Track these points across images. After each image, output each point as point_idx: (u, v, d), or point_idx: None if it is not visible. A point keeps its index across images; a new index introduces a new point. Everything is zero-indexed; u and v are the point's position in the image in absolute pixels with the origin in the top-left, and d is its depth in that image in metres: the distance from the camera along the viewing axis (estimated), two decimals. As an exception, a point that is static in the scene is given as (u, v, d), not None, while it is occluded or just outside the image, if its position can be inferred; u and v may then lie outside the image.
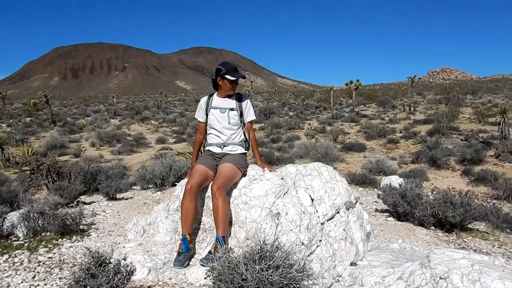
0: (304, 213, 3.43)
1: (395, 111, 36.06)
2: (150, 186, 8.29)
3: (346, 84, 42.94)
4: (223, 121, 3.83)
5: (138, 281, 3.25)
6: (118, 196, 7.14)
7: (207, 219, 3.72)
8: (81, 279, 2.62)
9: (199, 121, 4.00)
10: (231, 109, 3.84)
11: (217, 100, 3.90)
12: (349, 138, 21.89)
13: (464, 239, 5.50)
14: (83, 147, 21.75)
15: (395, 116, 30.74)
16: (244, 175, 3.81)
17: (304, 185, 3.66)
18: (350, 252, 3.37)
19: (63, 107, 61.26)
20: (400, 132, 22.67)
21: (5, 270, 3.71)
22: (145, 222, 4.49)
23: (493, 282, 2.66)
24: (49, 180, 8.41)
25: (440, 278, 2.80)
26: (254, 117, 3.97)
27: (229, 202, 3.59)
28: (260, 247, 2.83)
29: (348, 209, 3.71)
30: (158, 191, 7.72)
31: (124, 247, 3.93)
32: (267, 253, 2.81)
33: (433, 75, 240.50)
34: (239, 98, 3.91)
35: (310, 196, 3.59)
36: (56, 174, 8.56)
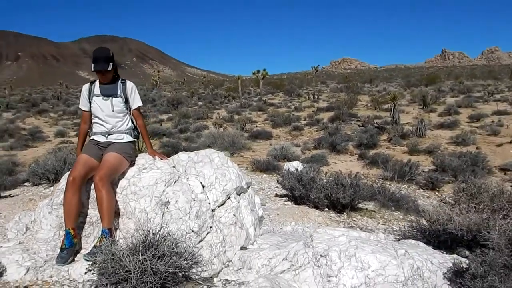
0: (194, 200, 3.41)
1: (301, 100, 37.54)
2: (43, 181, 7.70)
3: (253, 74, 43.73)
4: (106, 109, 3.64)
5: (14, 282, 2.99)
6: (3, 194, 6.50)
7: (93, 212, 3.52)
8: None
9: (82, 110, 3.76)
10: (115, 96, 3.65)
11: (99, 87, 3.69)
12: (256, 126, 22.34)
13: (353, 219, 5.92)
14: (-35, 143, 19.48)
15: (300, 104, 32.03)
16: (132, 164, 3.67)
17: (195, 172, 3.64)
18: (240, 237, 3.42)
19: None
20: (305, 120, 23.68)
21: None
22: (29, 219, 4.17)
23: (367, 256, 2.89)
24: None
25: (321, 255, 2.97)
26: (140, 103, 3.82)
27: (115, 193, 3.44)
28: (145, 237, 2.75)
29: (239, 195, 3.76)
30: (51, 186, 7.19)
31: (0, 247, 3.59)
32: (152, 243, 2.75)
33: (335, 65, 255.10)
34: (123, 84, 3.73)
35: (201, 183, 3.57)
36: None
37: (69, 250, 3.24)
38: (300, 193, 6.12)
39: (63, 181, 3.84)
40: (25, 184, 7.99)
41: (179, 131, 20.72)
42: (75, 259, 3.30)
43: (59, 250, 3.38)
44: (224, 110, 32.08)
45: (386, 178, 10.19)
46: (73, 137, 21.65)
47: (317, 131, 20.20)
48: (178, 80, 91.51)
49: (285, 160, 12.38)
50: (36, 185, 7.68)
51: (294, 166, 8.74)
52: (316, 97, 37.87)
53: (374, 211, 6.55)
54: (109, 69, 3.58)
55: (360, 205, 6.52)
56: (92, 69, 3.55)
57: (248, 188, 3.94)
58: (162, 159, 3.76)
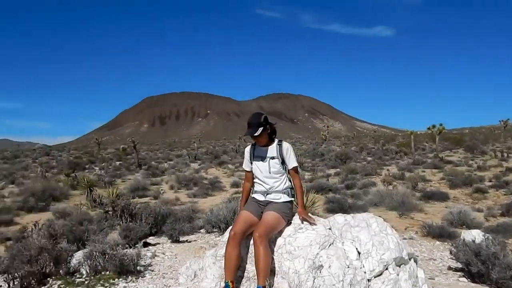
0: (348, 267, 3.23)
1: (485, 158, 33.39)
2: (215, 230, 8.40)
3: (428, 129, 40.95)
4: (264, 170, 3.83)
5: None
6: (182, 238, 7.32)
7: (251, 267, 3.65)
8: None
9: (245, 170, 4.04)
10: (272, 158, 3.82)
11: (258, 149, 3.94)
12: (430, 186, 20.55)
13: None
14: (162, 189, 22.85)
15: (484, 163, 28.41)
16: (289, 223, 3.72)
17: (351, 236, 3.47)
18: (398, 313, 3.07)
19: (150, 151, 65.57)
20: (490, 181, 20.80)
21: (63, 306, 3.93)
22: (198, 266, 4.52)
23: None
24: (123, 220, 8.91)
25: None
26: (295, 164, 3.87)
27: (273, 251, 3.51)
28: (294, 302, 2.70)
29: (399, 266, 3.42)
30: (221, 235, 7.79)
31: (172, 291, 3.98)
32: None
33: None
34: (280, 146, 3.87)
35: (356, 249, 3.39)
36: (129, 215, 9.06)
37: None
38: (478, 269, 5.24)
39: (226, 234, 4.12)
40: (201, 230, 8.84)
41: (346, 187, 20.44)
42: (232, 311, 3.43)
43: (219, 300, 3.58)
44: (394, 166, 30.58)
45: None
46: (247, 188, 23.39)
47: (505, 195, 17.44)
48: (347, 135, 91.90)
49: (464, 226, 10.92)
50: (209, 232, 8.42)
51: (473, 235, 7.63)
52: (505, 155, 33.16)
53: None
54: (256, 134, 3.74)
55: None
56: (244, 134, 3.81)
57: (410, 259, 3.56)
58: (310, 223, 3.69)
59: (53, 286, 4.50)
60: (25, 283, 4.54)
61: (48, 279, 4.71)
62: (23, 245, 4.85)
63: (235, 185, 24.22)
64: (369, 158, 37.96)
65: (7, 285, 4.55)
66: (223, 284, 3.74)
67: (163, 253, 5.88)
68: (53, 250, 4.85)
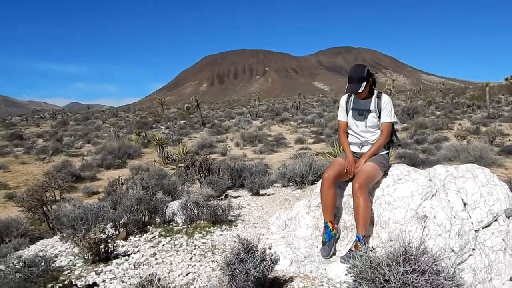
0: (455, 217, 3.17)
1: None
2: (290, 184, 8.54)
3: (506, 80, 37.95)
4: (360, 124, 3.76)
5: (281, 271, 3.41)
6: (261, 192, 7.52)
7: (348, 217, 3.71)
8: (231, 263, 2.88)
9: (340, 120, 3.97)
10: (369, 111, 3.72)
11: (355, 101, 3.82)
12: (509, 140, 19.34)
13: None
14: (229, 146, 23.45)
15: None
16: (385, 175, 3.69)
17: (456, 187, 3.38)
18: (510, 266, 3.00)
19: (211, 110, 66.97)
20: None
21: (168, 250, 4.26)
22: (287, 217, 4.67)
23: None
24: (201, 175, 9.32)
25: None
26: (390, 119, 3.70)
27: (371, 202, 3.53)
28: (405, 249, 2.71)
29: (508, 217, 3.30)
30: (298, 189, 7.91)
31: (267, 238, 4.16)
32: (412, 256, 2.69)
33: None
34: (379, 99, 3.72)
35: (462, 200, 3.30)
36: (207, 170, 9.45)
37: (329, 243, 3.52)
38: None
39: (319, 185, 4.18)
40: (275, 185, 9.03)
41: (416, 142, 19.79)
42: (331, 259, 3.53)
43: (316, 248, 3.70)
44: (467, 120, 28.98)
45: None
46: (311, 144, 23.39)
47: None
48: (413, 89, 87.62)
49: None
50: (285, 186, 8.57)
51: None
52: None
53: None
54: (360, 90, 3.58)
55: None
56: (345, 90, 3.67)
57: (520, 211, 3.42)
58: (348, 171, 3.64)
59: (153, 233, 4.86)
60: (128, 230, 4.95)
61: (148, 227, 5.09)
62: (124, 196, 5.23)
63: (299, 141, 24.28)
64: (438, 113, 36.18)
65: (115, 231, 4.99)
66: (319, 233, 3.85)
67: (248, 205, 6.10)
68: (150, 200, 5.21)
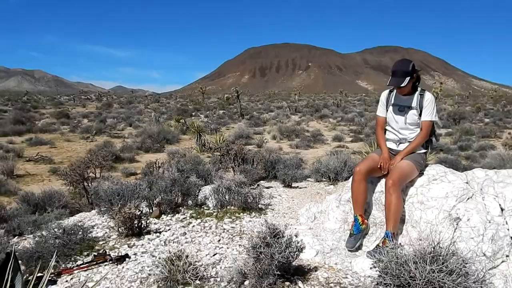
0: (490, 222, 3.08)
1: None
2: (324, 179, 8.50)
3: None
4: (400, 121, 3.69)
5: (306, 260, 3.43)
6: (293, 184, 7.54)
7: (378, 214, 3.67)
8: (257, 246, 2.93)
9: (379, 116, 3.91)
10: (410, 108, 3.65)
11: (397, 96, 3.76)
12: (561, 153, 18.28)
13: None
14: (265, 139, 23.50)
15: None
16: (421, 174, 3.62)
17: (494, 192, 3.27)
18: (546, 275, 2.88)
19: (251, 102, 67.28)
20: None
21: (197, 231, 4.38)
22: (317, 209, 4.67)
23: None
24: (235, 163, 9.43)
25: None
26: (431, 118, 3.61)
27: (404, 200, 3.47)
28: (433, 248, 2.67)
29: (548, 226, 3.17)
30: (330, 184, 7.87)
31: (295, 228, 4.18)
32: (440, 256, 2.64)
33: None
34: (422, 96, 3.65)
35: (500, 205, 3.19)
36: (241, 159, 9.56)
37: (357, 236, 3.50)
38: None
39: (351, 180, 4.16)
40: (308, 179, 9.01)
41: (459, 148, 19.10)
42: (357, 254, 3.52)
43: (343, 242, 3.69)
44: (517, 130, 27.64)
45: None
46: (349, 143, 23.07)
47: None
48: (462, 93, 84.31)
49: None
50: (318, 181, 8.54)
51: None
52: None
53: None
54: (402, 85, 3.52)
55: None
56: (387, 83, 3.61)
57: (561, 221, 3.27)
58: (383, 166, 3.57)
59: (185, 214, 4.99)
60: (161, 209, 5.11)
61: (180, 208, 5.23)
62: (160, 177, 5.39)
63: (337, 139, 24.00)
64: (487, 120, 34.67)
65: (148, 209, 5.17)
66: (347, 227, 3.84)
67: (279, 195, 6.14)
68: (184, 183, 5.35)
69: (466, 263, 2.66)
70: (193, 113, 43.67)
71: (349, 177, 7.66)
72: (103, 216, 5.26)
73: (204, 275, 3.16)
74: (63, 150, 20.71)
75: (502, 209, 3.18)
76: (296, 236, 3.07)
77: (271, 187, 7.22)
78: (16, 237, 5.10)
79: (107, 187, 5.43)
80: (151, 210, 5.20)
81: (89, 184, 8.34)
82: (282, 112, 42.54)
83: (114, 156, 16.01)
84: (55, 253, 2.92)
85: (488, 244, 2.96)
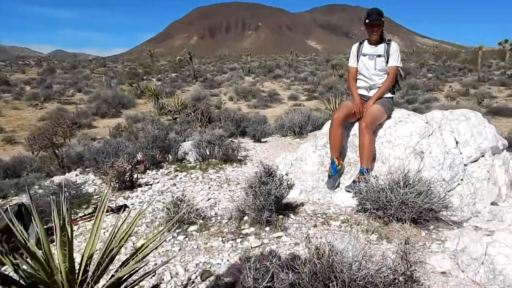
0: (447, 153, 3.64)
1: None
2: (289, 134, 8.98)
3: (500, 44, 38.20)
4: (370, 67, 4.13)
5: (292, 198, 3.88)
6: (262, 139, 7.96)
7: (351, 155, 4.16)
8: (253, 185, 3.31)
9: (351, 66, 4.33)
10: (379, 56, 4.10)
11: (366, 47, 4.20)
12: (496, 102, 19.93)
13: None
14: (223, 100, 23.66)
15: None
16: (389, 117, 4.11)
17: (450, 128, 3.83)
18: (492, 192, 3.49)
19: (202, 64, 66.19)
20: None
21: (186, 181, 4.71)
22: (292, 157, 5.10)
23: None
24: (202, 123, 9.70)
25: None
26: (396, 64, 4.08)
27: (374, 141, 3.96)
28: (404, 175, 3.18)
29: (494, 154, 3.78)
30: (296, 138, 8.36)
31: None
32: (410, 182, 3.16)
33: None
34: (388, 45, 4.12)
35: (455, 139, 3.76)
36: (208, 118, 9.82)
37: (335, 177, 3.98)
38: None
39: (325, 127, 4.61)
40: (273, 135, 9.48)
41: (406, 101, 20.29)
42: (335, 190, 4.00)
43: (322, 182, 4.16)
44: (457, 83, 29.48)
45: None
46: (304, 101, 23.75)
47: None
48: (406, 51, 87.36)
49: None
50: (284, 136, 9.02)
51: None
52: None
53: None
54: (380, 22, 3.99)
55: None
56: (366, 21, 4.00)
57: (503, 150, 3.90)
58: (356, 112, 4.02)
59: (169, 168, 5.28)
60: (145, 165, 5.37)
61: (162, 164, 5.50)
62: (143, 134, 5.60)
63: (292, 98, 24.61)
64: (430, 75, 36.55)
65: (131, 166, 5.40)
66: (324, 169, 4.31)
67: (254, 148, 6.55)
68: (165, 139, 5.60)
69: (431, 186, 3.20)
70: (145, 77, 42.59)
71: (313, 130, 8.19)
72: (87, 175, 5.44)
73: (205, 215, 3.53)
74: (13, 119, 19.90)
75: (457, 142, 3.74)
76: (286, 174, 3.48)
77: (242, 142, 7.61)
78: (1, 199, 5.19)
79: (87, 147, 5.58)
80: (135, 167, 5.44)
81: (58, 149, 8.34)
82: (235, 74, 42.44)
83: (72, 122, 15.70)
84: (65, 201, 3.15)
85: (446, 171, 3.52)
